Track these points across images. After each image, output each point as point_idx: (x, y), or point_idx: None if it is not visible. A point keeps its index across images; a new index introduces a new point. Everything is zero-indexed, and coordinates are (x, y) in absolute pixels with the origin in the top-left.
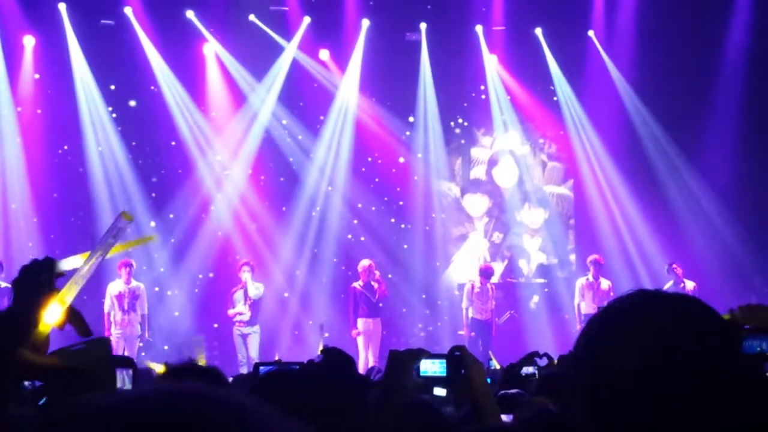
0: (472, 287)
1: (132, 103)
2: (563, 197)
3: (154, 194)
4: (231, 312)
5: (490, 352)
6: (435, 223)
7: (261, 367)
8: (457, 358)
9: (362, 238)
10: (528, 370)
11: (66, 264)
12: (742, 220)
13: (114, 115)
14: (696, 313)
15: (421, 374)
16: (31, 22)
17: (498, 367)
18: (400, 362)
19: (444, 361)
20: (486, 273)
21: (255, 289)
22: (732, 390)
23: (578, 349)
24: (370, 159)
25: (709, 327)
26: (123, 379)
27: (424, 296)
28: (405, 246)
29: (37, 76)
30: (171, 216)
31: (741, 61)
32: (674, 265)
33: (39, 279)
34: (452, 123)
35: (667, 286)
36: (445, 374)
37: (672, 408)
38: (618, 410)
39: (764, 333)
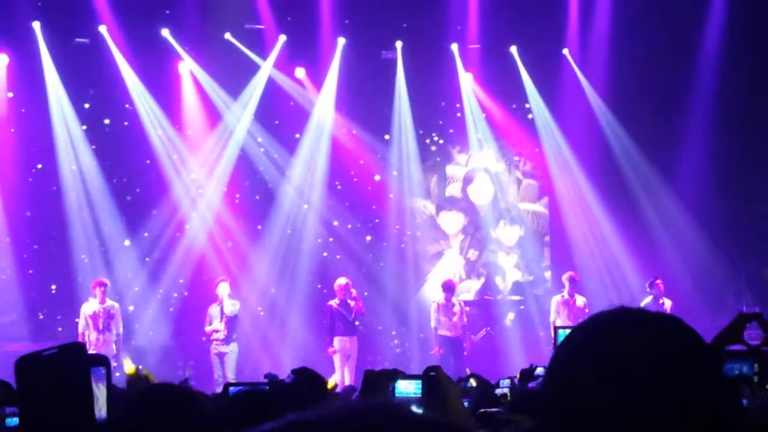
0: (438, 306)
1: (106, 121)
2: (538, 214)
3: (128, 214)
4: (207, 329)
5: (467, 370)
6: (410, 241)
7: (231, 388)
8: (432, 378)
9: (338, 256)
10: (502, 390)
11: None
12: (715, 236)
13: (88, 133)
14: (676, 332)
15: (397, 394)
16: (4, 40)
17: (475, 384)
18: (376, 382)
19: (419, 381)
20: (447, 287)
21: (231, 306)
22: (710, 406)
23: (553, 366)
24: (345, 177)
25: (688, 345)
26: (99, 378)
27: (399, 314)
28: (381, 264)
29: (11, 94)
30: (146, 235)
31: (714, 78)
32: (658, 281)
33: None
34: (428, 140)
35: (645, 302)
36: (420, 394)
37: (645, 423)
38: (590, 426)
39: (743, 357)
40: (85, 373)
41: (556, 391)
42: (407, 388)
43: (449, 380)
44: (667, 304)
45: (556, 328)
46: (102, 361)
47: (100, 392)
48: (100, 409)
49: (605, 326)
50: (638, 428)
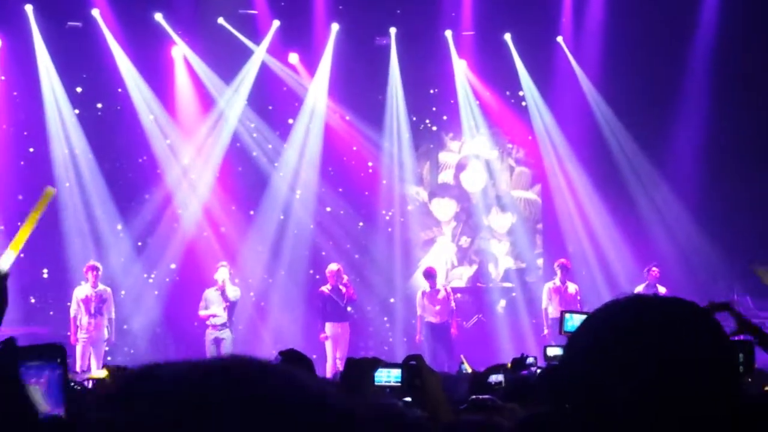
0: (423, 293)
1: (99, 105)
2: (531, 202)
3: (121, 199)
4: (204, 313)
5: (462, 357)
6: (403, 228)
7: None
8: (412, 367)
9: (330, 242)
10: (497, 378)
11: (2, 263)
12: (707, 225)
13: (81, 117)
14: (694, 318)
15: (376, 382)
16: None
17: (470, 370)
18: (357, 370)
19: (400, 370)
20: (428, 275)
21: (233, 291)
22: (729, 390)
23: (570, 355)
24: (338, 163)
25: (707, 331)
26: (53, 369)
27: (392, 300)
28: (373, 250)
29: (2, 77)
30: (138, 219)
31: (708, 66)
32: (654, 269)
33: None
34: (421, 127)
35: (639, 288)
36: (399, 382)
37: (660, 407)
38: (609, 412)
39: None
40: (13, 367)
41: (576, 380)
42: (387, 377)
43: (430, 369)
44: (662, 291)
45: (562, 313)
46: (54, 351)
47: (34, 388)
48: (44, 403)
49: (620, 314)
50: (658, 413)
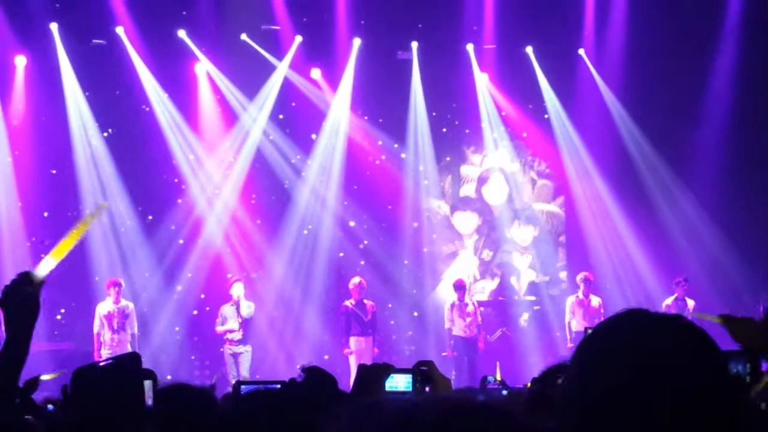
0: (452, 306)
1: (123, 122)
2: (553, 215)
3: (145, 215)
4: (220, 329)
5: (497, 364)
6: (425, 241)
7: (242, 386)
8: (422, 372)
9: (354, 256)
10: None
11: (42, 270)
12: (732, 236)
13: (105, 134)
14: (685, 336)
15: (388, 388)
16: (22, 41)
17: (499, 378)
18: (369, 376)
19: (410, 376)
20: (458, 287)
21: (247, 308)
22: (714, 413)
23: (570, 371)
24: (361, 177)
25: (697, 350)
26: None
27: (415, 314)
28: (396, 264)
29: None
30: (162, 235)
31: (730, 78)
32: (683, 281)
33: (25, 293)
34: (443, 141)
35: (668, 302)
36: (410, 389)
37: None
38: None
39: (741, 356)
40: (140, 386)
41: (580, 397)
42: (399, 383)
43: (441, 375)
44: (690, 304)
45: (585, 329)
46: (150, 375)
47: None
48: None
49: (608, 333)
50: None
